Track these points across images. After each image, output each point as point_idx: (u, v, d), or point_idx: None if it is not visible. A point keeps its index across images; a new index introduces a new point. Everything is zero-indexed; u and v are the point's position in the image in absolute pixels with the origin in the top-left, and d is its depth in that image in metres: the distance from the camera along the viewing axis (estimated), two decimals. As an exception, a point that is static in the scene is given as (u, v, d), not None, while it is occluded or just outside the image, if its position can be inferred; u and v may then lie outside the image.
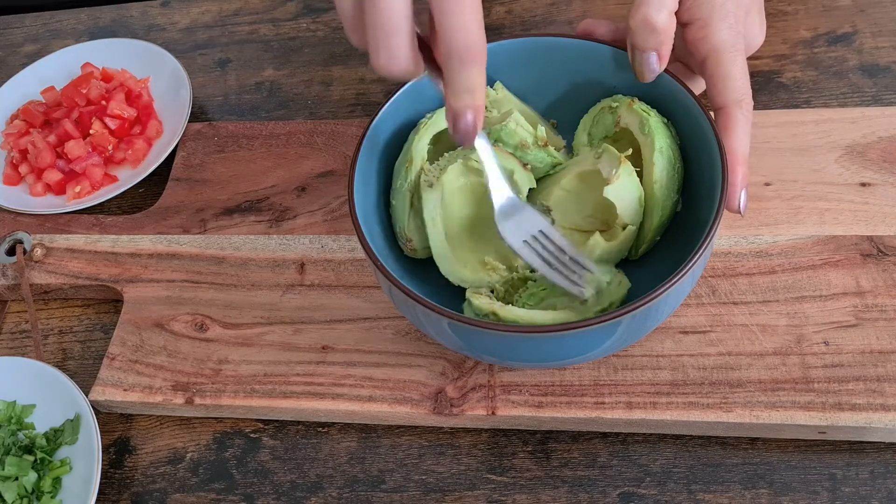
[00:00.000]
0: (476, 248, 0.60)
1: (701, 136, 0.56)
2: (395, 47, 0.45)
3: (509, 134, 0.60)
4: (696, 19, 0.57)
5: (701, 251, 0.50)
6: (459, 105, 0.48)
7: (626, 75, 0.59)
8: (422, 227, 0.59)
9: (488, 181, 0.55)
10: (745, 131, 0.56)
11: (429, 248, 0.59)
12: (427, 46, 0.49)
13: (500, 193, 0.55)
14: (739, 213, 0.55)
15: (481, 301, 0.55)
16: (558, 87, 0.65)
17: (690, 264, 0.50)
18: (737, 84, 0.56)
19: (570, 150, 0.65)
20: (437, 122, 0.60)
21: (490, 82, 0.63)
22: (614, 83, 0.62)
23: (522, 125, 0.61)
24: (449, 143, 0.61)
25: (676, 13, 0.57)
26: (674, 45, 0.57)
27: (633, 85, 0.59)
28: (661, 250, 0.61)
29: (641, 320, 0.52)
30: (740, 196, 0.55)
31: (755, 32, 0.62)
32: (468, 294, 0.56)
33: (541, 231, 0.55)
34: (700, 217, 0.56)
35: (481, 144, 0.54)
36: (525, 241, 0.55)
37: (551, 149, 0.62)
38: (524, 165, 0.60)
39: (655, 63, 0.56)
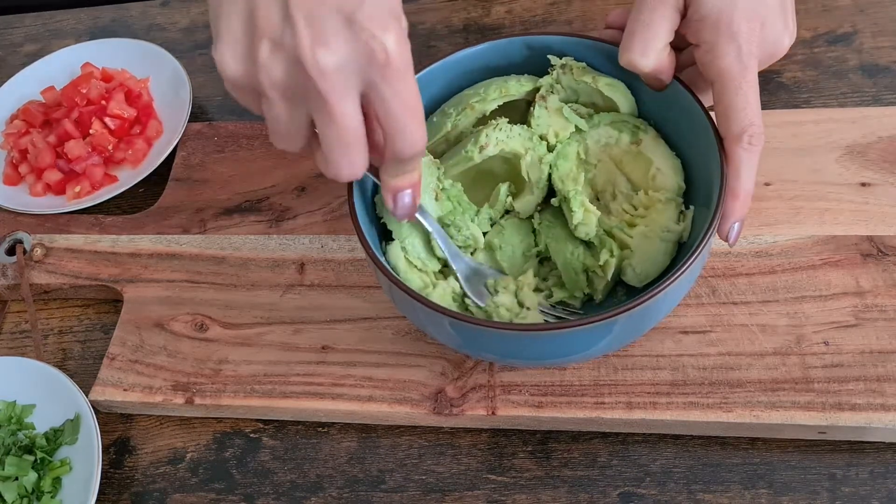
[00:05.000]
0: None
1: (699, 137, 0.56)
2: (355, 157, 0.47)
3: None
4: (703, 42, 0.54)
5: (699, 252, 0.51)
6: (399, 185, 0.51)
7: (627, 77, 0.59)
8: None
9: (446, 254, 0.58)
10: (747, 167, 0.52)
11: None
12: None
13: (460, 261, 0.59)
14: (727, 241, 0.53)
15: None
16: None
17: (687, 264, 0.50)
18: (739, 115, 0.52)
19: None
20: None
21: (503, 74, 0.63)
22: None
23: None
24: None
25: (685, 32, 0.55)
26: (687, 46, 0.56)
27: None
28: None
29: (638, 319, 0.52)
30: (731, 228, 0.53)
31: (776, 38, 0.55)
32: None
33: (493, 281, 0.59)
34: (698, 218, 0.56)
35: (428, 220, 0.57)
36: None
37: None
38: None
39: (664, 80, 0.56)
